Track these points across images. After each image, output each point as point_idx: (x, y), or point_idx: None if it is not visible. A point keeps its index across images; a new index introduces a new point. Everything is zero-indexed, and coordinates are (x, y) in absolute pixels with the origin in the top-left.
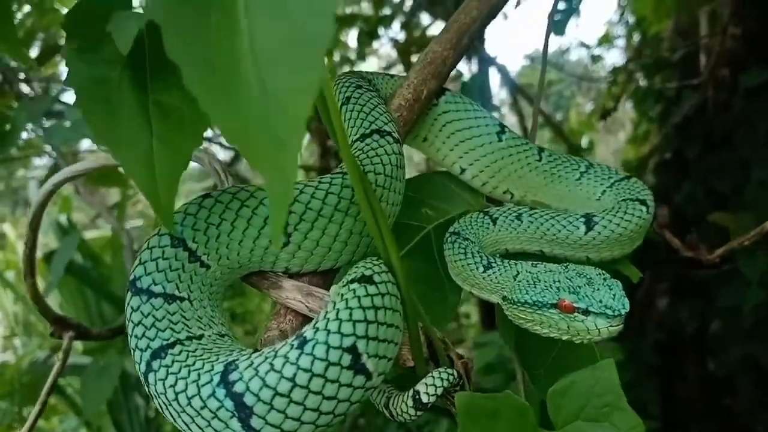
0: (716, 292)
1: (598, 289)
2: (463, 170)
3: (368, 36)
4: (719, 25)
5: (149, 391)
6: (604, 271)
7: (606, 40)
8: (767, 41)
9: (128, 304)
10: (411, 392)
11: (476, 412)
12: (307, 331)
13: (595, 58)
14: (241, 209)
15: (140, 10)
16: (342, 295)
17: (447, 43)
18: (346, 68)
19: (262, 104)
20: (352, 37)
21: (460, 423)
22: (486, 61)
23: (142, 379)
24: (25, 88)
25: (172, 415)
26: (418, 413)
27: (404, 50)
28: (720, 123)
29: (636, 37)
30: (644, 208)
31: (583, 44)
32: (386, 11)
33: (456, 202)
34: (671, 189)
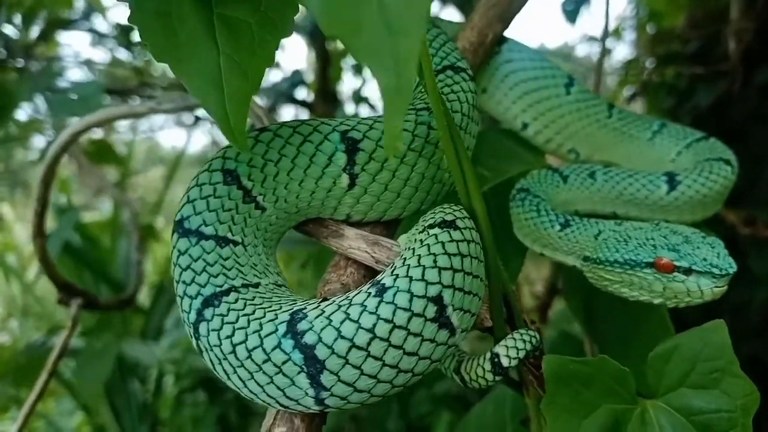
0: None
1: (699, 247)
2: (525, 125)
3: None
4: (749, 14)
5: (198, 345)
6: (699, 230)
7: (616, 33)
8: None
9: (174, 247)
10: (489, 355)
11: (568, 377)
12: (386, 278)
13: (605, 52)
14: (303, 145)
15: None
16: (422, 240)
17: None
18: None
19: None
20: None
21: (547, 389)
22: None
23: (190, 330)
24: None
25: (226, 371)
26: (497, 378)
27: None
28: (734, 117)
29: (649, 31)
30: (729, 168)
31: (592, 38)
32: None
33: (514, 162)
34: None
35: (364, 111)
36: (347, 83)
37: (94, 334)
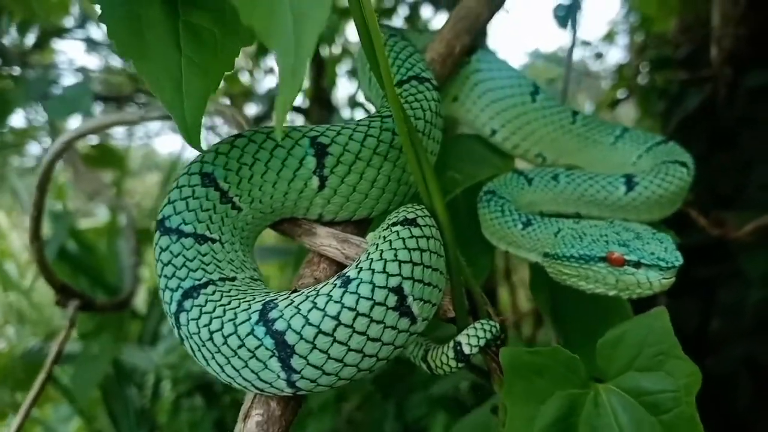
0: (717, 290)
1: (649, 243)
2: (494, 132)
3: None
4: (730, 21)
5: (179, 333)
6: (650, 227)
7: (609, 37)
8: None
9: (156, 244)
10: (452, 343)
11: (522, 367)
12: (350, 270)
13: (598, 56)
14: (275, 149)
15: None
16: (384, 237)
17: None
18: (348, 61)
19: None
20: (352, 28)
21: (505, 378)
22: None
23: (172, 320)
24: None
25: (205, 357)
26: (459, 365)
27: None
28: (723, 122)
29: (640, 36)
30: (685, 170)
31: (585, 42)
32: (388, 3)
33: (484, 166)
34: None
35: (360, 115)
36: (342, 89)
37: (91, 337)
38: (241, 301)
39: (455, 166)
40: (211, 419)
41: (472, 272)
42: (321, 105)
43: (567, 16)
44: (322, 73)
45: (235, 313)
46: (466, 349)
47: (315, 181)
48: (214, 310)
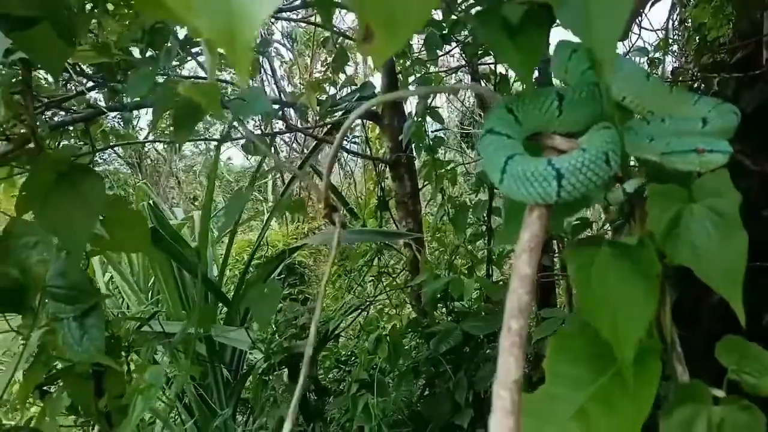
0: None
1: (710, 136)
2: (624, 98)
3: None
4: None
5: (502, 178)
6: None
7: (664, 44)
8: None
9: (481, 141)
10: None
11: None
12: (584, 144)
13: (654, 62)
14: (533, 98)
15: None
16: (593, 133)
17: None
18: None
19: None
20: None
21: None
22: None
23: (498, 175)
24: None
25: (509, 186)
26: None
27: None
28: None
29: (695, 42)
30: (735, 115)
31: (640, 49)
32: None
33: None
34: None
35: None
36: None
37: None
38: (535, 160)
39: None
40: (293, 394)
41: None
42: (393, 110)
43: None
44: (395, 81)
45: (534, 164)
46: None
47: (556, 113)
48: (522, 162)
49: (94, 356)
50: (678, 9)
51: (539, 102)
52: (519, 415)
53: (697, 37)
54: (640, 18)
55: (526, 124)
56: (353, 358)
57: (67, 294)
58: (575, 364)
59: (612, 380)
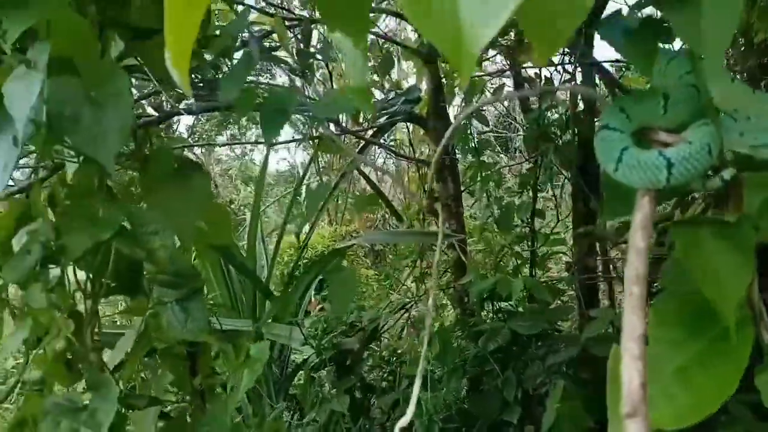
0: None
1: None
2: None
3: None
4: None
5: (616, 167)
6: None
7: None
8: None
9: (598, 134)
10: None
11: None
12: (689, 137)
13: None
14: (644, 95)
15: None
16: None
17: None
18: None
19: None
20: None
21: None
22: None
23: (612, 165)
24: None
25: (624, 174)
26: None
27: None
28: None
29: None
30: None
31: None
32: None
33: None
34: None
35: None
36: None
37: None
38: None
39: None
40: (341, 392)
41: None
42: (437, 116)
43: None
44: (440, 86)
45: (647, 155)
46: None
47: (661, 111)
48: (636, 153)
49: (199, 335)
50: None
51: (647, 101)
52: (645, 361)
53: (743, 39)
54: None
55: (635, 120)
56: (394, 358)
57: (171, 279)
58: (673, 328)
59: (710, 344)
